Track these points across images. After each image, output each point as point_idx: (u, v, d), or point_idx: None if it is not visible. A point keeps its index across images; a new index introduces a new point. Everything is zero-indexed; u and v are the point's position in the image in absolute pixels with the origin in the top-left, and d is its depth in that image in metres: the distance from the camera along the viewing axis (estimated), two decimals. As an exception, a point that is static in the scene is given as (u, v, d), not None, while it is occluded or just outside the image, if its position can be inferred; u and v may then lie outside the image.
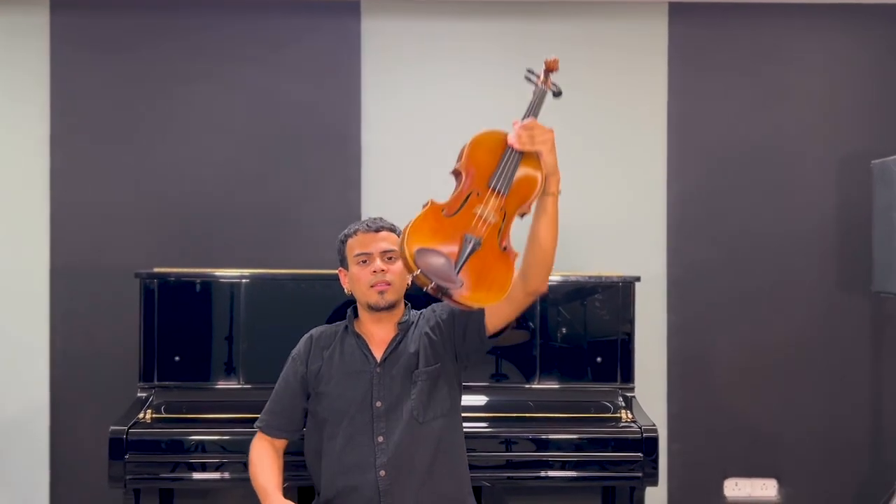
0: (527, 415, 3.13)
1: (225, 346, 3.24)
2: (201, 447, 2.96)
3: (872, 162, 3.53)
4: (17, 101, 3.73)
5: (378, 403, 2.50)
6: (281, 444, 2.60)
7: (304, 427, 2.63)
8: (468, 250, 2.21)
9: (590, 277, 3.31)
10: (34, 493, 3.72)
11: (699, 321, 3.83)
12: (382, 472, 2.45)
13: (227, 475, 2.94)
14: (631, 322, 3.28)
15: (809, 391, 3.84)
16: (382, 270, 2.49)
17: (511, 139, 2.30)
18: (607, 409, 3.18)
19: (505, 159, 2.31)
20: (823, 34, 3.85)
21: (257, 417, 2.64)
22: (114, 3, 3.76)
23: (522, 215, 2.36)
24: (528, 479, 3.05)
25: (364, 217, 3.55)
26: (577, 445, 3.01)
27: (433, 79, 3.80)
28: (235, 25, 3.76)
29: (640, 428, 3.02)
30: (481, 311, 2.48)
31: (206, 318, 3.25)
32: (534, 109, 2.41)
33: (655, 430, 3.02)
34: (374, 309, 2.54)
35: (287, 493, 2.51)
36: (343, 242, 2.59)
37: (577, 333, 3.25)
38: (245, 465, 2.62)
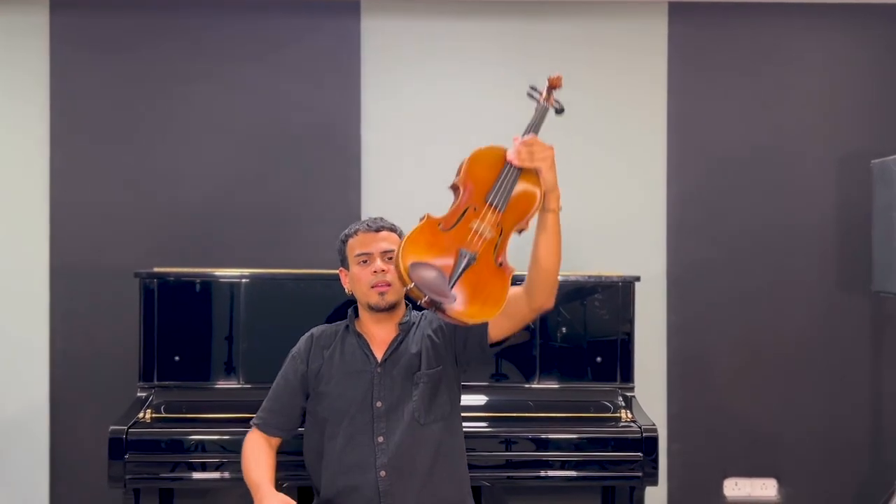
0: (527, 414, 3.13)
1: (225, 345, 3.24)
2: (201, 447, 2.96)
3: (872, 161, 3.53)
4: (17, 100, 3.73)
5: (378, 403, 2.50)
6: (276, 442, 2.59)
7: (301, 427, 2.63)
8: (462, 265, 2.21)
9: (590, 277, 3.31)
10: (34, 492, 3.72)
11: (699, 321, 3.83)
12: (383, 473, 2.45)
13: (226, 475, 2.94)
14: (631, 322, 3.28)
15: (809, 391, 3.84)
16: (383, 270, 2.49)
17: (510, 155, 2.30)
18: (607, 409, 3.18)
19: (503, 175, 2.31)
20: (823, 34, 3.85)
21: (256, 416, 2.64)
22: (113, 2, 3.76)
23: (520, 231, 2.35)
24: (528, 479, 3.05)
25: (364, 217, 3.56)
26: (577, 445, 3.01)
27: (433, 78, 3.80)
28: (235, 25, 3.76)
29: (640, 428, 3.02)
30: (484, 322, 2.48)
31: (206, 318, 3.24)
32: (535, 126, 2.40)
33: (655, 430, 3.02)
34: (374, 309, 2.54)
35: (287, 494, 2.50)
36: (343, 242, 2.59)
37: (577, 333, 3.25)
38: (245, 465, 2.62)
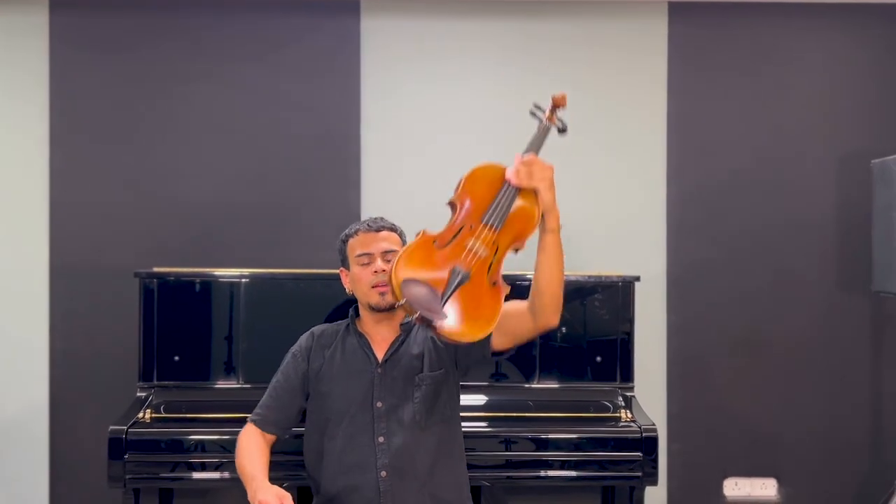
0: (526, 414, 3.13)
1: (224, 345, 3.24)
2: (201, 447, 2.96)
3: (872, 161, 3.53)
4: (17, 100, 3.73)
5: (379, 404, 2.50)
6: (270, 438, 2.57)
7: (297, 427, 2.62)
8: (455, 283, 2.21)
9: (589, 277, 3.31)
10: (34, 492, 3.72)
11: (699, 321, 3.83)
12: (384, 473, 2.45)
13: (226, 475, 2.93)
14: (631, 322, 3.28)
15: (809, 391, 3.84)
16: (384, 271, 2.49)
17: (509, 174, 2.30)
18: (607, 409, 3.18)
19: (501, 194, 2.31)
20: (823, 34, 3.85)
21: (255, 415, 2.63)
22: (113, 2, 3.76)
23: (516, 250, 2.36)
24: (528, 479, 3.04)
25: (364, 216, 3.56)
26: (577, 445, 3.01)
27: (433, 78, 3.80)
28: (235, 25, 3.76)
29: (640, 427, 3.02)
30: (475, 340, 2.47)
31: (206, 318, 3.24)
32: (535, 145, 2.39)
33: (655, 430, 3.01)
34: (375, 309, 2.54)
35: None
36: (344, 242, 2.59)
37: (577, 333, 3.25)
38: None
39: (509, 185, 2.30)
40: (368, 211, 3.65)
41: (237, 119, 3.75)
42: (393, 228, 2.59)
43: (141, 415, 3.04)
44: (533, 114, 2.46)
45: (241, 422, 2.63)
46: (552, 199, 2.30)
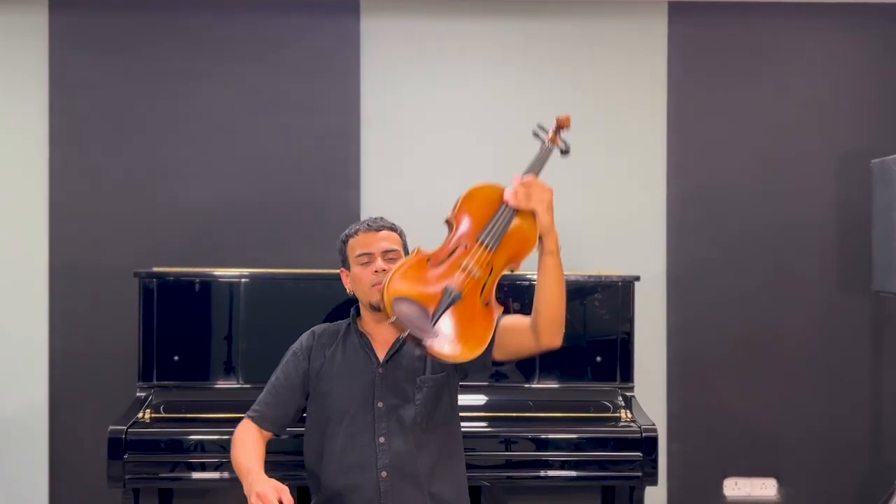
0: (526, 414, 3.12)
1: (224, 345, 3.23)
2: (200, 447, 2.96)
3: (872, 161, 3.53)
4: (17, 100, 3.73)
5: (380, 404, 2.49)
6: (267, 436, 2.56)
7: (293, 427, 2.61)
8: (446, 303, 2.22)
9: (589, 277, 3.31)
10: (33, 492, 3.72)
11: (699, 321, 3.83)
12: (384, 474, 2.45)
13: (226, 475, 2.93)
14: (630, 321, 3.28)
15: (809, 391, 3.84)
16: (384, 270, 2.48)
17: (507, 195, 2.30)
18: (607, 409, 3.18)
19: (498, 214, 2.30)
20: (822, 34, 3.85)
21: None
22: (113, 2, 3.75)
23: (511, 271, 2.35)
24: (528, 479, 3.04)
25: (364, 216, 3.56)
26: (577, 445, 3.01)
27: (432, 78, 3.80)
28: (235, 25, 3.75)
29: (640, 427, 3.02)
30: (492, 339, 2.47)
31: (206, 318, 3.24)
32: (536, 166, 2.38)
33: (655, 430, 3.01)
34: (376, 309, 2.53)
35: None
36: (344, 243, 2.59)
37: (577, 333, 3.25)
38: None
39: (507, 205, 2.30)
40: (368, 211, 3.65)
41: (237, 119, 3.75)
42: (393, 228, 2.58)
43: (140, 415, 3.04)
44: (536, 134, 2.44)
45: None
46: (550, 221, 2.29)
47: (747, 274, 3.83)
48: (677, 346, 3.82)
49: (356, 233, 2.56)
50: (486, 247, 2.28)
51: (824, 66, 3.85)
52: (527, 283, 3.04)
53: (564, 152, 2.44)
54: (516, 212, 2.30)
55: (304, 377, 2.57)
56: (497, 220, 2.30)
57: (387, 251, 2.51)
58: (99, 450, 2.97)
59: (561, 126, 2.44)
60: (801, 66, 3.85)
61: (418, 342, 2.20)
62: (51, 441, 3.72)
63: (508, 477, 3.05)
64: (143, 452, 2.92)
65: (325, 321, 2.75)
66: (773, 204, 3.83)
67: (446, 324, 2.23)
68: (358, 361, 2.55)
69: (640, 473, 2.98)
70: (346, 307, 2.71)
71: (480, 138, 3.78)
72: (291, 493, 2.32)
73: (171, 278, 3.24)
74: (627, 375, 3.26)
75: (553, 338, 2.38)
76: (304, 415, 2.61)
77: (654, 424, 3.04)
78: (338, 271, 2.64)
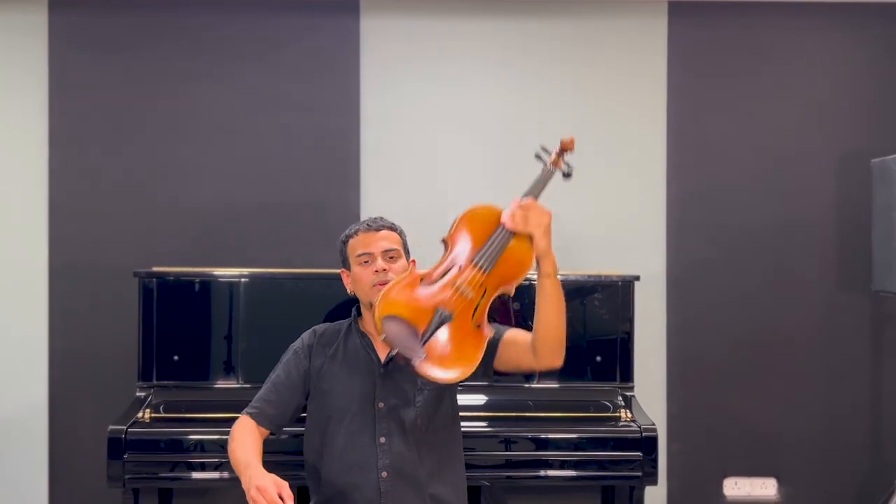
0: (526, 414, 3.12)
1: (224, 345, 3.23)
2: (200, 447, 2.96)
3: (872, 161, 3.53)
4: (16, 100, 3.73)
5: (381, 404, 2.49)
6: (264, 433, 2.54)
7: (291, 426, 2.60)
8: (436, 324, 2.22)
9: (589, 276, 3.31)
10: (33, 492, 3.72)
11: (699, 321, 3.83)
12: (384, 474, 2.45)
13: (226, 475, 2.93)
14: (630, 321, 3.28)
15: (809, 391, 3.84)
16: (384, 270, 2.48)
17: (504, 217, 2.29)
18: (607, 409, 3.18)
19: (494, 237, 2.30)
20: (822, 33, 3.85)
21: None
22: (112, 2, 3.75)
23: (505, 294, 2.35)
24: (528, 479, 3.04)
25: (363, 216, 3.56)
26: (577, 445, 3.01)
27: (432, 78, 3.80)
28: (235, 25, 3.75)
29: (640, 427, 3.02)
30: (494, 346, 2.48)
31: (205, 318, 3.24)
32: (536, 189, 2.37)
33: (655, 430, 3.01)
34: (377, 308, 2.53)
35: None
36: (344, 243, 2.58)
37: (577, 332, 3.24)
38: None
39: (504, 228, 2.29)
40: (368, 211, 3.65)
41: (237, 119, 3.75)
42: (393, 227, 2.58)
43: (140, 414, 3.03)
44: (538, 156, 2.42)
45: (241, 422, 2.62)
46: (547, 245, 2.29)
47: (747, 274, 3.83)
48: (677, 346, 3.82)
49: (356, 233, 2.56)
50: (481, 268, 2.28)
51: (824, 66, 3.85)
52: (527, 283, 3.02)
53: (567, 175, 2.42)
54: (513, 234, 2.29)
55: (305, 376, 2.57)
56: (493, 242, 2.29)
57: (387, 251, 2.51)
58: (99, 450, 2.97)
59: (565, 149, 2.43)
60: (801, 66, 3.85)
61: (407, 361, 2.21)
62: (50, 441, 3.72)
63: (508, 477, 3.05)
64: (142, 452, 2.92)
65: (324, 321, 2.75)
66: (773, 204, 3.83)
67: (435, 345, 2.23)
68: (359, 361, 2.55)
69: (639, 473, 2.98)
70: (346, 307, 2.71)
71: (480, 138, 3.78)
72: (293, 492, 2.31)
73: (171, 278, 3.24)
74: (627, 375, 3.26)
75: (553, 359, 2.39)
76: (303, 414, 2.60)
77: (653, 424, 3.04)
78: (337, 271, 2.63)
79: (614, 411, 3.16)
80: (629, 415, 3.11)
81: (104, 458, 2.91)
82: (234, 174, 3.74)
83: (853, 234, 3.77)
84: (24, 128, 3.72)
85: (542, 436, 3.02)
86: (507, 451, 3.02)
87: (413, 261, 2.57)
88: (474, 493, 3.27)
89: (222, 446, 2.90)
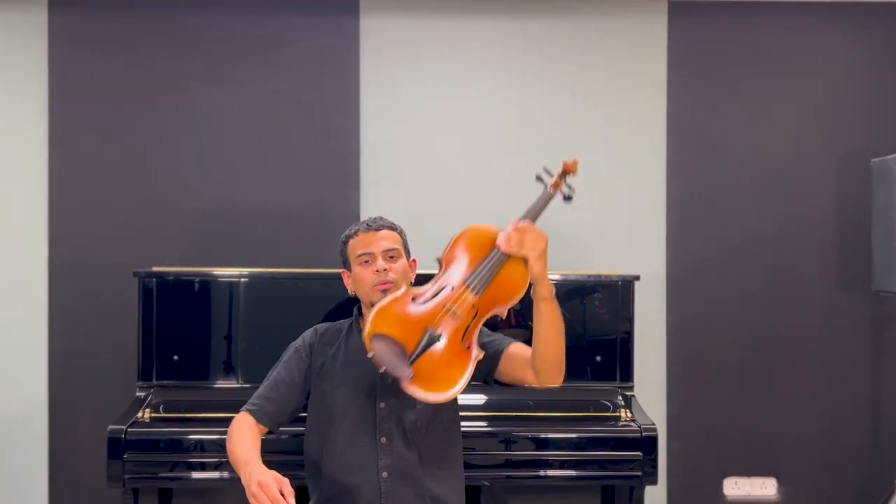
0: (526, 414, 3.12)
1: (224, 345, 3.23)
2: (200, 446, 2.96)
3: (872, 161, 3.53)
4: (16, 99, 3.73)
5: (382, 405, 2.49)
6: (263, 430, 2.52)
7: (289, 426, 2.60)
8: (424, 345, 2.23)
9: (589, 276, 3.31)
10: (33, 492, 3.72)
11: (699, 321, 3.82)
12: (385, 474, 2.45)
13: (225, 474, 2.93)
14: (630, 321, 3.28)
15: (809, 390, 3.84)
16: (385, 269, 2.48)
17: (500, 239, 2.29)
18: (607, 409, 3.18)
19: (488, 259, 2.29)
20: (822, 33, 3.85)
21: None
22: (112, 2, 3.75)
23: (497, 316, 2.35)
24: (528, 479, 3.04)
25: (363, 216, 3.56)
26: (577, 444, 3.01)
27: (432, 78, 3.80)
28: (234, 25, 3.75)
29: (640, 427, 3.02)
30: (496, 358, 2.49)
31: (205, 318, 3.24)
32: (534, 212, 2.35)
33: (655, 429, 3.01)
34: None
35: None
36: (344, 244, 2.58)
37: (577, 332, 3.24)
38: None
39: (498, 250, 2.28)
40: (368, 210, 3.65)
41: (237, 118, 3.75)
42: (393, 227, 2.58)
43: (140, 414, 3.03)
44: (539, 178, 2.41)
45: (241, 422, 2.62)
46: (541, 269, 2.28)
47: (747, 274, 3.83)
48: (677, 345, 3.82)
49: (356, 233, 2.56)
50: (473, 290, 2.28)
51: (824, 66, 3.85)
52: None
53: (567, 198, 2.41)
54: (508, 257, 2.28)
55: (306, 374, 2.56)
56: (486, 264, 2.29)
57: (387, 250, 2.51)
58: (98, 449, 2.96)
59: (567, 171, 2.41)
60: (801, 66, 3.85)
61: (394, 380, 2.22)
62: (50, 441, 3.72)
63: (508, 476, 3.05)
64: (142, 452, 2.92)
65: (324, 321, 2.75)
66: (773, 204, 3.83)
67: (423, 365, 2.23)
68: (360, 361, 2.53)
69: (639, 473, 2.98)
70: (346, 307, 2.71)
71: (480, 138, 3.78)
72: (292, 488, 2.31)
73: (171, 278, 3.24)
74: (627, 375, 3.26)
75: (553, 379, 2.39)
76: (303, 414, 2.60)
77: (653, 424, 3.04)
78: (337, 271, 2.63)
79: (614, 411, 3.16)
80: (629, 414, 3.11)
81: (104, 457, 2.91)
82: (234, 174, 3.74)
83: (853, 234, 3.77)
84: (24, 128, 3.72)
85: (542, 435, 3.02)
86: (506, 450, 3.02)
87: (414, 260, 2.57)
88: (474, 492, 3.27)
89: (222, 446, 2.89)
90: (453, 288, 2.29)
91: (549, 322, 2.33)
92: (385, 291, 2.48)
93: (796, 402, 3.83)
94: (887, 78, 3.84)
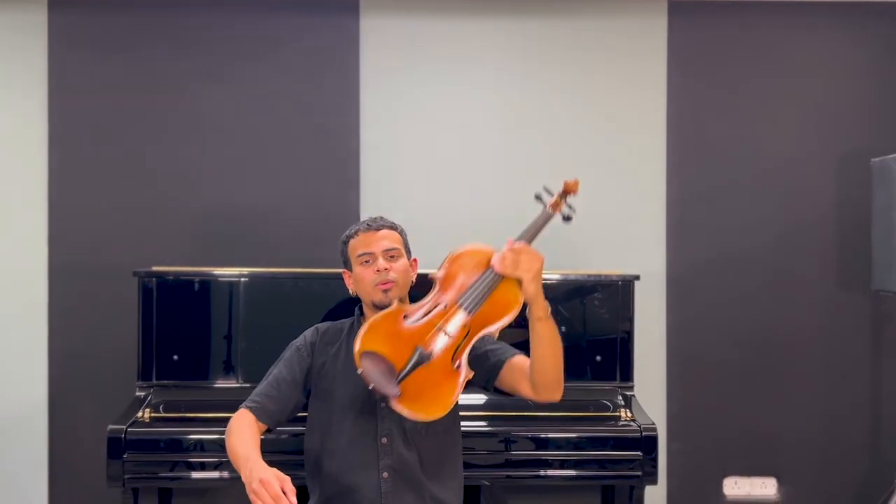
0: (526, 413, 3.11)
1: (224, 344, 3.23)
2: (200, 446, 2.96)
3: (872, 160, 3.53)
4: (16, 99, 3.73)
5: (382, 405, 2.48)
6: (262, 428, 2.51)
7: (288, 426, 2.60)
8: (413, 363, 2.21)
9: (589, 276, 3.31)
10: (33, 492, 3.72)
11: (699, 321, 3.82)
12: (385, 474, 2.44)
13: (225, 474, 2.93)
14: (630, 321, 3.28)
15: (809, 390, 3.84)
16: (386, 269, 2.48)
17: (494, 259, 2.28)
18: (607, 408, 3.18)
19: (481, 279, 2.28)
20: (822, 32, 3.85)
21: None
22: (112, 2, 3.75)
23: (489, 336, 2.34)
24: (528, 478, 3.04)
25: (363, 216, 3.56)
26: (577, 444, 3.00)
27: (432, 77, 3.80)
28: (234, 25, 3.75)
29: (640, 427, 3.02)
30: (498, 368, 2.48)
31: (205, 317, 3.24)
32: (530, 232, 2.34)
33: (655, 429, 3.01)
34: (380, 308, 2.52)
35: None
36: (345, 244, 2.58)
37: (577, 332, 3.25)
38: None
39: (493, 270, 2.27)
40: (368, 210, 3.65)
41: (236, 118, 3.75)
42: (393, 227, 2.58)
43: (140, 414, 3.03)
44: (538, 197, 2.38)
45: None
46: (535, 290, 2.26)
47: (747, 274, 3.83)
48: (677, 345, 3.82)
49: (356, 233, 2.56)
50: (466, 309, 2.28)
51: (824, 66, 3.85)
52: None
53: (567, 219, 2.38)
54: (502, 278, 2.27)
55: (306, 374, 2.56)
56: (480, 283, 2.28)
57: (388, 250, 2.51)
58: (98, 449, 2.96)
59: (568, 191, 2.39)
60: (800, 66, 3.85)
61: (383, 397, 2.22)
62: (50, 440, 3.72)
63: (508, 476, 3.04)
64: (142, 452, 2.92)
65: (324, 320, 2.75)
66: (773, 203, 3.83)
67: (412, 384, 2.22)
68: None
69: (639, 473, 2.98)
70: (346, 306, 2.71)
71: (480, 138, 3.78)
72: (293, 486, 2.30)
73: (171, 278, 3.24)
74: (627, 375, 3.26)
75: (551, 395, 2.39)
76: (303, 413, 2.60)
77: (653, 424, 3.04)
78: (337, 271, 2.63)
79: (614, 411, 3.16)
80: (629, 414, 3.11)
81: (104, 457, 2.91)
82: (234, 174, 3.74)
83: (853, 234, 3.77)
84: (24, 128, 3.72)
85: (542, 435, 3.02)
86: (506, 450, 3.02)
87: (415, 259, 2.57)
88: (474, 492, 3.27)
89: (222, 446, 2.89)
90: (446, 306, 2.28)
91: (546, 341, 2.32)
92: (386, 291, 2.48)
93: (796, 402, 3.83)
94: (887, 78, 3.84)
